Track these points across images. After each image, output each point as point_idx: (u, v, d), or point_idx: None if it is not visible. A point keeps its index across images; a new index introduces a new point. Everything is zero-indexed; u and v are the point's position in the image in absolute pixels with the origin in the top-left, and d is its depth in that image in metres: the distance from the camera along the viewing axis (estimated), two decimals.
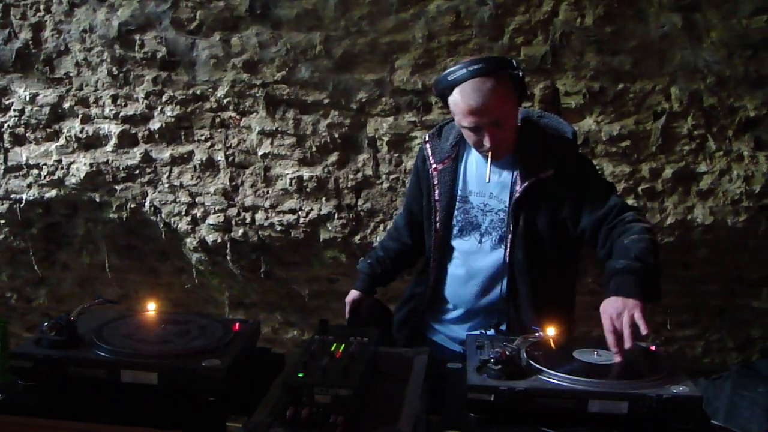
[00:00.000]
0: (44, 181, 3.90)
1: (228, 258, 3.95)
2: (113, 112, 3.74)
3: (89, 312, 2.08)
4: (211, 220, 3.84)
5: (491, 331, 2.32)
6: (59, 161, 3.85)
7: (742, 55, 3.27)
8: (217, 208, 3.82)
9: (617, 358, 1.86)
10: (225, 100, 3.64)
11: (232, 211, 3.82)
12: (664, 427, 1.66)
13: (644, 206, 3.51)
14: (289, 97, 3.59)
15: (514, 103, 2.26)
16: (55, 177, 3.87)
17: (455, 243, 2.45)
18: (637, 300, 1.92)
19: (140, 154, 3.79)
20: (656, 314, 3.96)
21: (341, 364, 1.69)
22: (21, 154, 3.89)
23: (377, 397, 1.79)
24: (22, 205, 3.99)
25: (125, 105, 3.74)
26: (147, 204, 3.88)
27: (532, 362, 1.81)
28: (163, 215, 3.90)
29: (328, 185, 3.70)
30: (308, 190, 3.72)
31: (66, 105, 3.79)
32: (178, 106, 3.69)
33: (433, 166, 2.44)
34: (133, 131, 3.78)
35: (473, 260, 2.41)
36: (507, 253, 2.32)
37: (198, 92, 3.66)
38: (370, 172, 3.66)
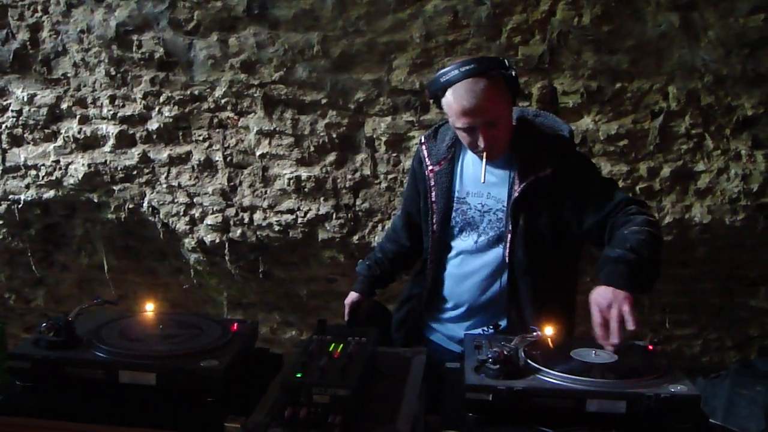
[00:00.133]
0: (42, 182, 3.90)
1: (226, 258, 3.95)
2: (111, 112, 3.74)
3: (87, 312, 2.08)
4: (210, 220, 3.84)
5: (491, 330, 2.33)
6: (57, 162, 3.85)
7: (740, 53, 3.27)
8: (215, 209, 3.82)
9: (609, 349, 1.87)
10: (223, 101, 3.64)
11: (231, 212, 3.82)
12: (662, 426, 1.66)
13: (646, 202, 3.51)
14: (286, 97, 3.59)
15: (507, 103, 2.25)
16: (53, 178, 3.87)
17: (453, 243, 2.45)
18: (626, 292, 1.92)
19: (138, 154, 3.79)
20: (654, 313, 3.97)
21: (339, 364, 1.69)
22: (19, 155, 3.89)
23: (375, 397, 1.79)
24: (20, 206, 3.99)
25: (123, 105, 3.74)
26: (145, 204, 3.88)
27: (530, 362, 1.81)
28: (161, 215, 3.90)
29: (326, 185, 3.71)
30: (306, 190, 3.72)
31: (64, 106, 3.79)
32: (176, 107, 3.69)
33: (430, 167, 2.44)
34: (131, 132, 3.78)
35: (471, 260, 2.41)
36: (507, 253, 2.32)
37: (196, 92, 3.66)
38: (368, 172, 3.66)
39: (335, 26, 3.43)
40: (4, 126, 3.86)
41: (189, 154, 3.77)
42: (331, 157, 3.67)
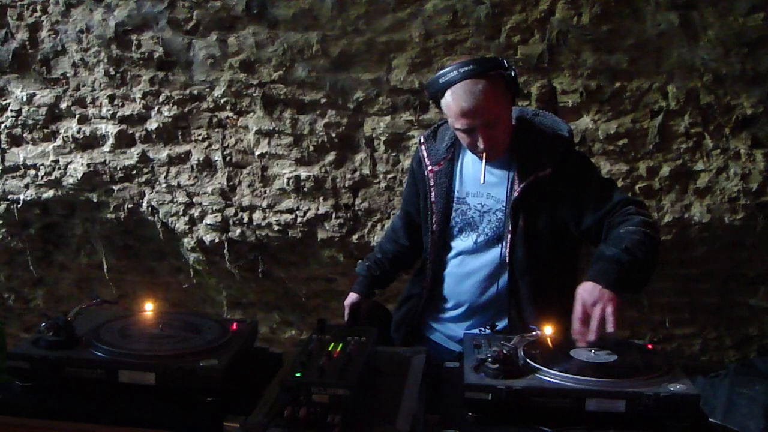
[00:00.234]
0: (41, 182, 3.90)
1: (225, 258, 3.94)
2: (110, 112, 3.74)
3: (87, 312, 2.08)
4: (209, 219, 3.83)
5: (487, 331, 2.33)
6: (56, 161, 3.85)
7: (739, 52, 3.27)
8: (214, 208, 3.82)
9: (578, 345, 1.88)
10: (222, 100, 3.64)
11: (230, 211, 3.82)
12: (661, 425, 1.66)
13: (645, 203, 3.51)
14: (286, 96, 3.59)
15: (507, 104, 2.25)
16: (53, 177, 3.87)
17: (453, 243, 2.45)
18: (613, 293, 1.92)
19: (137, 154, 3.79)
20: (654, 312, 3.97)
21: (339, 363, 1.69)
22: (18, 155, 3.89)
23: (375, 396, 1.79)
24: (19, 206, 3.99)
25: (122, 105, 3.74)
26: (144, 204, 3.88)
27: (529, 361, 1.81)
28: (160, 215, 3.90)
29: (326, 185, 3.70)
30: (305, 189, 3.72)
31: (63, 105, 3.78)
32: (175, 106, 3.69)
33: (429, 167, 2.44)
34: (131, 131, 3.78)
35: (471, 259, 2.41)
36: (507, 253, 2.32)
37: (195, 92, 3.66)
38: (368, 172, 3.66)
39: (334, 26, 3.43)
40: (3, 126, 3.85)
41: (188, 153, 3.77)
42: (331, 157, 3.67)
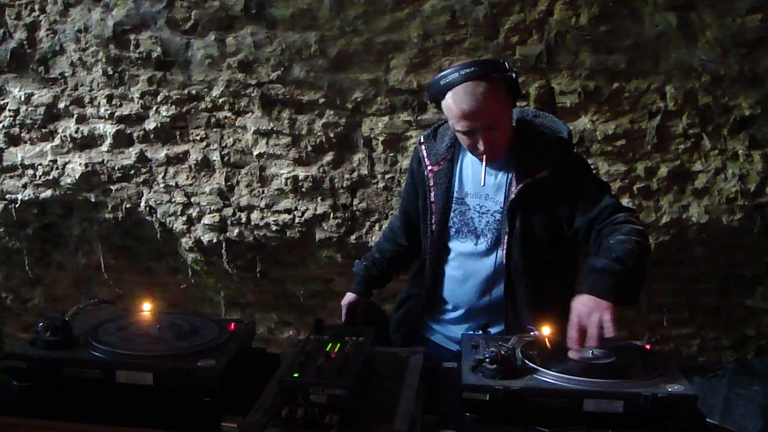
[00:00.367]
0: (39, 182, 3.90)
1: (223, 258, 3.94)
2: (108, 112, 3.74)
3: (84, 312, 2.08)
4: (207, 219, 3.83)
5: (479, 334, 2.34)
6: (54, 161, 3.85)
7: (737, 53, 3.27)
8: (212, 208, 3.82)
9: (572, 355, 1.87)
10: (220, 100, 3.64)
11: (228, 211, 3.82)
12: (659, 425, 1.66)
13: (639, 205, 3.52)
14: (284, 96, 3.59)
15: (507, 106, 2.25)
16: (51, 177, 3.87)
17: (451, 245, 2.44)
18: (609, 302, 1.92)
19: (135, 154, 3.78)
20: (652, 313, 3.97)
21: (336, 363, 1.69)
22: (16, 155, 3.88)
23: (373, 396, 1.78)
24: (17, 206, 3.99)
25: (120, 105, 3.74)
26: (142, 204, 3.88)
27: (527, 361, 1.81)
28: (158, 215, 3.89)
29: (324, 185, 3.70)
30: (304, 189, 3.72)
31: (61, 105, 3.78)
32: (174, 106, 3.69)
33: (429, 167, 2.44)
34: (129, 131, 3.77)
35: (470, 262, 2.40)
36: (504, 254, 2.32)
37: (193, 92, 3.66)
38: (366, 172, 3.66)
39: (333, 26, 3.43)
40: (1, 125, 3.85)
41: (186, 153, 3.77)
42: (329, 157, 3.67)
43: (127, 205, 3.90)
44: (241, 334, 2.04)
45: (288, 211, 3.77)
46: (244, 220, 3.82)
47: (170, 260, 4.19)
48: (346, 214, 3.75)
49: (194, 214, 3.85)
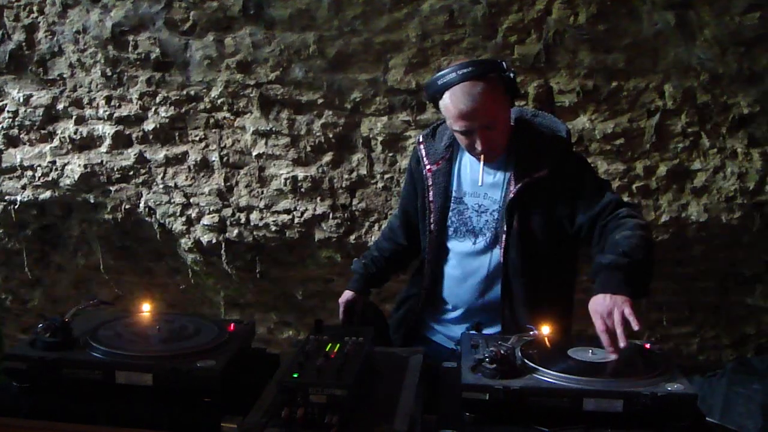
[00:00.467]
0: (38, 183, 3.90)
1: (223, 258, 3.94)
2: (107, 113, 3.74)
3: (84, 313, 2.08)
4: (206, 220, 3.83)
5: (473, 333, 2.34)
6: (53, 162, 3.85)
7: (736, 52, 3.27)
8: (211, 209, 3.82)
9: (613, 356, 1.86)
10: (219, 101, 3.64)
11: (227, 212, 3.82)
12: (659, 424, 1.66)
13: (638, 204, 3.52)
14: (283, 97, 3.59)
15: (505, 105, 2.25)
16: (50, 178, 3.87)
17: (450, 244, 2.44)
18: (625, 296, 1.92)
19: (134, 155, 3.78)
20: (651, 312, 3.97)
21: (336, 364, 1.69)
22: (15, 156, 3.88)
23: (372, 396, 1.79)
24: (16, 207, 3.98)
25: (119, 106, 3.74)
26: (141, 205, 3.88)
27: (527, 361, 1.81)
28: (157, 216, 3.89)
29: (323, 185, 3.70)
30: (303, 190, 3.72)
31: (60, 106, 3.78)
32: (172, 107, 3.69)
33: (428, 167, 2.44)
34: (128, 132, 3.77)
35: (469, 261, 2.40)
36: (501, 253, 2.32)
37: (192, 93, 3.65)
38: (365, 172, 3.66)
39: (331, 26, 3.43)
40: (0, 127, 3.85)
41: (185, 154, 3.77)
42: (328, 157, 3.67)
43: (127, 206, 3.90)
44: (241, 334, 2.04)
45: (287, 211, 3.77)
46: (243, 220, 3.82)
47: (169, 261, 4.19)
48: (346, 215, 3.75)
49: (193, 215, 3.85)
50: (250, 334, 2.13)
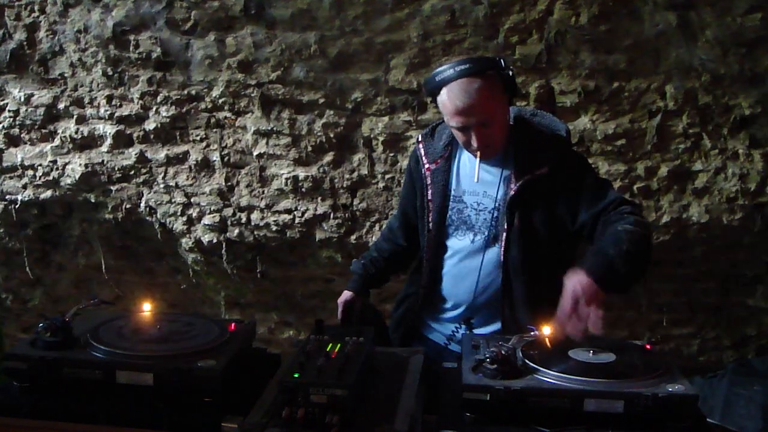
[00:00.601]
0: (39, 182, 3.90)
1: (224, 258, 3.94)
2: (108, 112, 3.74)
3: (84, 313, 2.08)
4: (207, 220, 3.83)
5: (463, 327, 2.35)
6: (54, 162, 3.84)
7: (737, 53, 3.27)
8: (212, 209, 3.82)
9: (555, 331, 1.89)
10: (220, 101, 3.64)
11: (228, 212, 3.82)
12: (660, 425, 1.66)
13: (640, 205, 3.52)
14: (284, 96, 3.59)
15: (503, 103, 2.26)
16: (51, 178, 3.87)
17: (449, 242, 2.44)
18: (602, 289, 1.92)
19: (135, 154, 3.78)
20: (652, 312, 3.97)
21: (337, 364, 1.69)
22: (16, 155, 3.88)
23: (373, 397, 1.78)
24: (17, 206, 3.98)
25: (120, 105, 3.74)
26: (142, 204, 3.88)
27: (527, 361, 1.81)
28: (158, 215, 3.89)
29: (324, 185, 3.70)
30: (304, 190, 3.72)
31: (61, 106, 3.78)
32: (173, 107, 3.68)
33: (426, 166, 2.44)
34: (128, 132, 3.77)
35: (467, 259, 2.40)
36: (502, 251, 2.32)
37: (193, 92, 3.65)
38: (366, 172, 3.66)
39: (332, 26, 3.43)
40: (1, 126, 3.85)
41: (186, 154, 3.77)
42: (329, 157, 3.67)
43: (127, 206, 3.90)
44: (242, 334, 2.04)
45: (288, 211, 3.77)
46: (244, 220, 3.82)
47: (170, 261, 4.19)
48: (347, 214, 3.75)
49: (194, 215, 3.85)
50: (250, 334, 2.13)
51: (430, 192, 2.43)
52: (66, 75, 3.74)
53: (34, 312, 4.49)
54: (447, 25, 3.37)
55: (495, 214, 2.34)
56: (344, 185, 3.69)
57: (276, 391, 1.67)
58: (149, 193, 3.86)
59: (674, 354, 4.07)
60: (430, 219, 2.44)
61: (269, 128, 3.64)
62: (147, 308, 2.19)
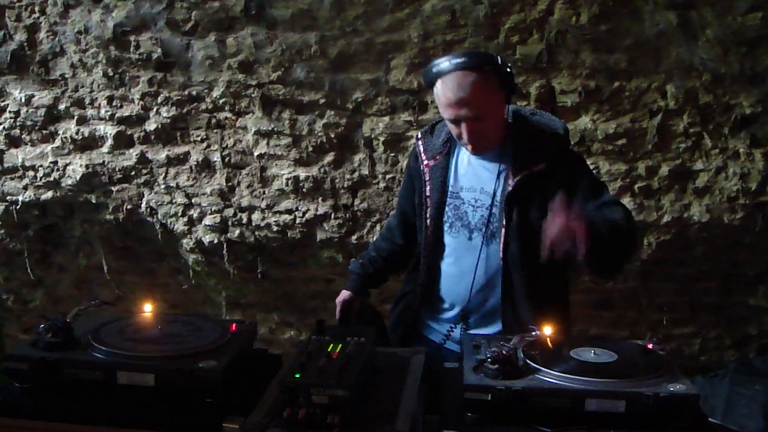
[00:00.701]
0: (40, 183, 3.90)
1: (224, 258, 3.94)
2: (109, 113, 3.74)
3: (85, 313, 2.08)
4: (208, 220, 3.83)
5: (459, 327, 2.35)
6: (55, 163, 3.85)
7: (738, 52, 3.27)
8: (213, 209, 3.82)
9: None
10: (221, 101, 3.64)
11: (229, 212, 3.82)
12: (661, 425, 1.66)
13: (641, 204, 3.52)
14: (284, 97, 3.59)
15: (498, 99, 2.25)
16: (51, 178, 3.87)
17: (446, 240, 2.44)
18: (586, 233, 1.91)
19: (136, 155, 3.78)
20: (653, 312, 3.97)
21: (338, 364, 1.69)
22: (17, 156, 3.88)
23: (374, 397, 1.78)
24: (18, 207, 3.98)
25: (121, 106, 3.74)
26: (143, 205, 3.88)
27: (529, 361, 1.80)
28: (159, 216, 3.89)
29: (325, 185, 3.70)
30: (304, 190, 3.72)
31: (61, 106, 3.78)
32: (174, 107, 3.69)
33: (425, 162, 2.44)
34: (129, 132, 3.77)
35: (464, 257, 2.40)
36: (501, 248, 2.32)
37: (194, 93, 3.65)
38: (366, 172, 3.66)
39: (333, 26, 3.43)
40: (1, 127, 3.85)
41: (187, 154, 3.77)
42: (330, 157, 3.67)
43: (128, 207, 3.90)
44: (243, 334, 2.04)
45: (289, 211, 3.77)
46: (245, 220, 3.82)
47: (171, 261, 4.19)
48: (347, 215, 3.75)
49: (195, 215, 3.85)
50: (252, 335, 2.13)
51: (428, 188, 2.43)
52: (66, 76, 3.74)
53: (35, 313, 4.49)
54: (447, 25, 3.37)
55: (492, 211, 2.34)
56: (345, 185, 3.69)
57: (277, 391, 1.67)
58: (150, 194, 3.86)
59: (675, 354, 4.07)
60: (428, 215, 2.43)
61: (270, 128, 3.64)
62: (148, 309, 2.19)
